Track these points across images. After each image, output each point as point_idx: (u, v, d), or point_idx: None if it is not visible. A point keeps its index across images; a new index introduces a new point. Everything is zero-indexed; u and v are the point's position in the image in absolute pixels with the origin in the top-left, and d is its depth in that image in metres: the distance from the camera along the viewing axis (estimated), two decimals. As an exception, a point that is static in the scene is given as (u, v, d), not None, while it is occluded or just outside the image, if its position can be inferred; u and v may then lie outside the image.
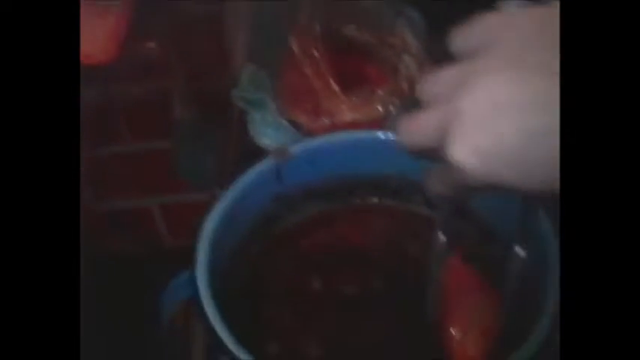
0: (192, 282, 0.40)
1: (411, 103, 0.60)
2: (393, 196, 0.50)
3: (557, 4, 0.28)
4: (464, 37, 0.32)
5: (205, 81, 0.80)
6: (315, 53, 0.55)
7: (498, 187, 0.29)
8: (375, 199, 0.51)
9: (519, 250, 0.37)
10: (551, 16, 0.28)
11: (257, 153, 0.67)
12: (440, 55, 0.33)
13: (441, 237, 0.38)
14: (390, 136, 0.48)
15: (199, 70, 0.79)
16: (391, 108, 0.54)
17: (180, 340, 0.50)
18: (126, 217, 0.96)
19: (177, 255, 1.11)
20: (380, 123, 0.53)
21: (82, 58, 0.54)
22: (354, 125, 0.56)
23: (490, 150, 0.28)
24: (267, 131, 0.62)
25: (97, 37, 0.56)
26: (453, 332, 0.41)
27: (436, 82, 0.31)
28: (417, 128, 0.32)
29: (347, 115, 0.54)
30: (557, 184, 0.27)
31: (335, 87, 0.54)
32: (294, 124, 0.61)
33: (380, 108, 0.53)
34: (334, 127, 0.57)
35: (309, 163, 0.48)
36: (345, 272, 0.46)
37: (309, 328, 0.43)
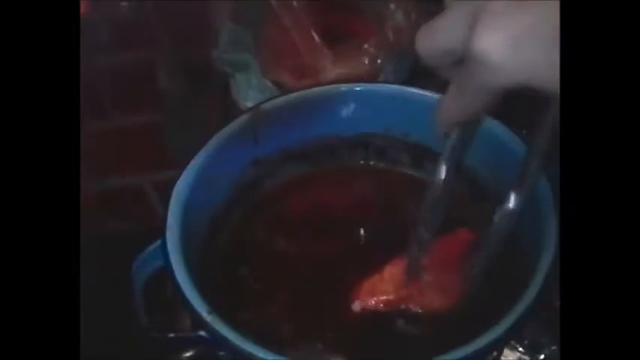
0: (164, 249, 0.37)
1: (400, 56, 0.56)
2: (377, 157, 0.47)
3: None
4: None
5: (189, 47, 0.76)
6: (295, 3, 0.51)
7: (524, 89, 0.27)
8: (359, 160, 0.47)
9: (512, 201, 0.33)
10: None
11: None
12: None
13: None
14: (372, 89, 0.44)
15: (182, 36, 0.75)
16: (379, 61, 0.50)
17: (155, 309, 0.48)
18: (118, 196, 0.94)
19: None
20: (366, 77, 0.50)
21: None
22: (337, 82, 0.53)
23: (524, 36, 0.26)
24: (251, 94, 0.59)
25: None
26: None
27: None
28: (439, 30, 0.29)
29: (331, 70, 0.50)
30: None
31: (317, 40, 0.50)
32: (277, 84, 0.58)
33: (366, 61, 0.49)
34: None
35: (285, 122, 0.45)
36: (327, 238, 0.43)
37: (284, 296, 0.40)
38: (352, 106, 0.45)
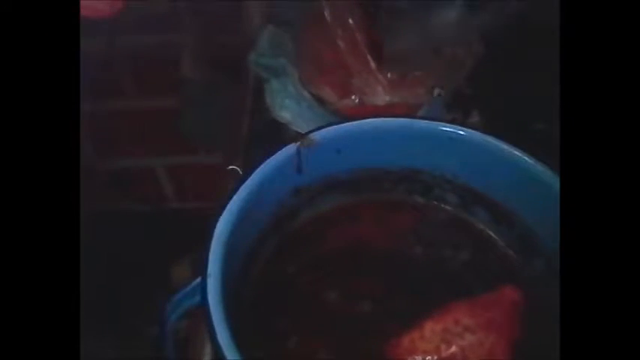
0: (204, 291, 0.35)
1: (456, 89, 0.53)
2: (423, 194, 0.45)
3: None
4: None
5: (218, 38, 0.73)
6: (350, 21, 0.47)
7: None
8: (403, 195, 0.45)
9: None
10: None
11: (273, 124, 0.61)
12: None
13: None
14: (431, 128, 0.42)
15: (212, 26, 0.72)
16: (435, 92, 0.47)
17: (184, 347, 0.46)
18: (129, 177, 0.92)
19: (181, 216, 1.08)
20: (417, 108, 0.47)
21: (85, 10, 0.49)
22: (385, 109, 0.50)
23: None
24: (287, 103, 0.56)
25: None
26: None
27: None
28: None
29: (381, 96, 0.47)
30: None
31: (372, 63, 0.47)
32: (317, 98, 0.55)
33: (422, 93, 0.47)
34: (363, 109, 0.51)
35: (334, 152, 0.42)
36: (363, 282, 0.41)
37: (317, 344, 0.38)
38: (405, 142, 0.43)
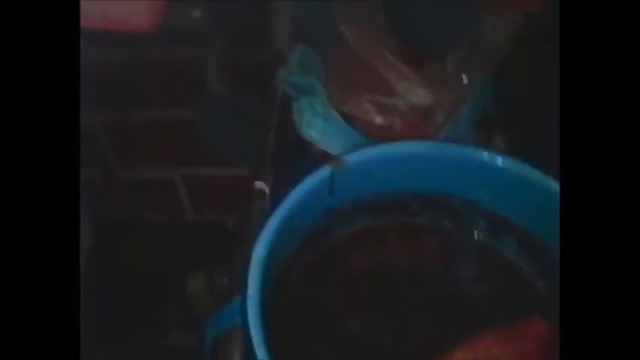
0: (243, 312, 0.35)
1: (483, 109, 0.53)
2: (452, 219, 0.45)
3: None
4: None
5: (245, 53, 0.73)
6: (375, 38, 0.47)
7: None
8: (432, 219, 0.45)
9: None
10: None
11: (298, 141, 0.62)
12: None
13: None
14: (462, 154, 0.42)
15: (239, 41, 0.73)
16: (475, 78, 0.46)
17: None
18: (149, 186, 0.92)
19: (198, 227, 1.08)
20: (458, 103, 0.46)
21: (116, 24, 0.49)
22: (414, 127, 0.50)
23: None
24: (315, 122, 0.56)
25: (134, 2, 0.50)
26: None
27: None
28: None
29: (424, 96, 0.46)
30: None
31: (403, 68, 0.46)
32: (346, 116, 0.55)
33: (460, 86, 0.45)
34: (391, 128, 0.51)
35: (365, 175, 0.42)
36: (389, 309, 0.41)
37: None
38: (435, 166, 0.43)
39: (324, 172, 0.41)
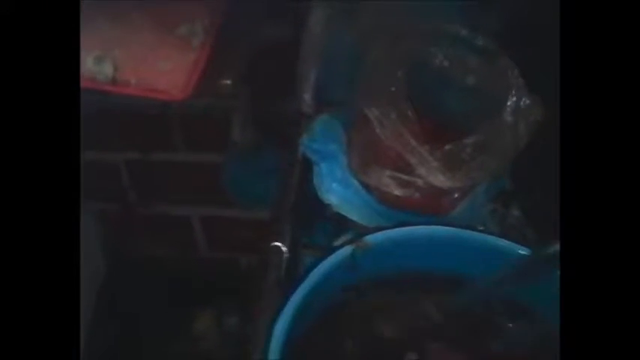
0: None
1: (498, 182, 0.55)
2: (469, 298, 0.46)
3: None
4: None
5: (270, 107, 0.76)
6: (394, 117, 0.49)
7: None
8: (450, 299, 0.47)
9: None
10: None
11: (319, 201, 0.64)
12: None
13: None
14: (473, 235, 0.44)
15: (265, 95, 0.75)
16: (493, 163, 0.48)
17: None
18: (166, 224, 0.94)
19: (211, 265, 1.09)
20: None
21: (156, 92, 0.52)
22: (431, 200, 0.52)
23: None
24: (334, 187, 0.59)
25: (174, 74, 0.53)
26: None
27: None
28: None
29: (444, 181, 0.48)
30: None
31: (425, 153, 0.48)
32: (364, 184, 0.57)
33: (478, 174, 0.48)
34: (408, 199, 0.53)
35: (386, 255, 0.44)
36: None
37: None
38: (455, 250, 0.45)
39: (345, 251, 0.43)
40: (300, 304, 0.40)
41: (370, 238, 0.44)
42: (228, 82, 0.60)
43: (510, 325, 0.46)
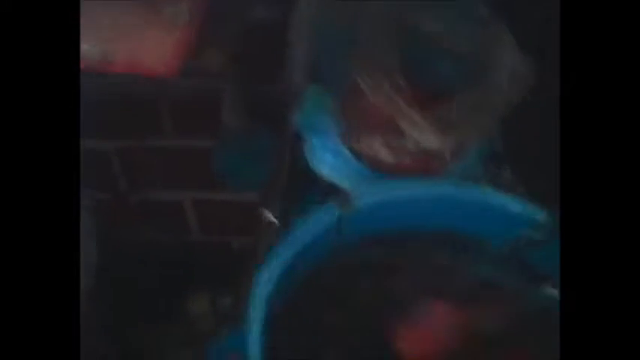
0: (245, 342, 0.38)
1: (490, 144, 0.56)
2: (460, 253, 0.48)
3: None
4: None
5: (260, 88, 0.77)
6: (388, 86, 0.51)
7: None
8: (439, 255, 0.48)
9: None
10: None
11: (309, 175, 0.65)
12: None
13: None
14: (463, 191, 0.45)
15: (254, 77, 0.76)
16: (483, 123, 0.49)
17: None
18: (158, 209, 0.95)
19: (205, 249, 1.10)
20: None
21: (141, 69, 0.53)
22: (422, 164, 0.53)
23: None
24: (326, 157, 0.60)
25: (161, 51, 0.54)
26: None
27: None
28: None
29: (434, 141, 0.49)
30: None
31: (416, 116, 0.50)
32: (355, 153, 0.59)
33: (469, 129, 0.48)
34: (398, 164, 0.54)
35: (373, 215, 0.46)
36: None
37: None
38: (444, 205, 0.46)
39: (331, 213, 0.44)
40: (284, 265, 0.41)
41: (356, 201, 0.45)
42: (217, 61, 0.61)
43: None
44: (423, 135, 0.50)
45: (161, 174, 0.90)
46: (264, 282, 0.40)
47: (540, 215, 0.45)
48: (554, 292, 0.43)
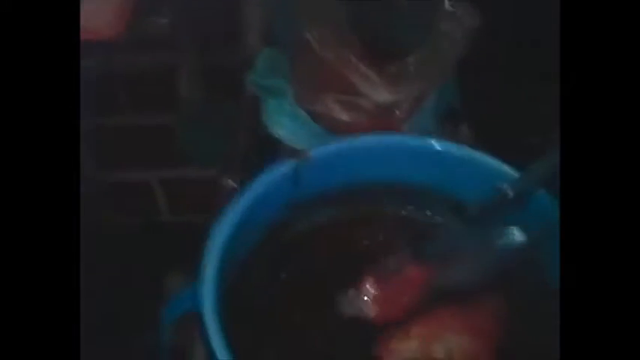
0: (198, 297, 0.37)
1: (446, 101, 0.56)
2: (416, 207, 0.47)
3: None
4: None
5: (215, 58, 0.75)
6: (338, 42, 0.50)
7: None
8: (396, 209, 0.48)
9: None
10: None
11: (269, 140, 0.64)
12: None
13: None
14: (423, 146, 0.45)
15: (209, 46, 0.75)
16: (436, 77, 0.49)
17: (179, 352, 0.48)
18: (125, 190, 0.93)
19: (174, 229, 1.09)
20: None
21: (86, 33, 0.51)
22: (378, 122, 0.53)
23: None
24: (283, 120, 0.59)
25: (102, 12, 0.52)
26: None
27: None
28: None
29: (387, 95, 0.49)
30: None
31: (367, 70, 0.49)
32: (313, 115, 0.58)
33: (422, 84, 0.48)
34: (356, 124, 0.54)
35: (329, 168, 0.45)
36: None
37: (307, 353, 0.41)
38: (396, 158, 0.46)
39: (287, 165, 0.43)
40: (239, 219, 0.40)
41: (311, 151, 0.44)
42: (164, 21, 0.59)
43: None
44: (376, 90, 0.49)
45: (124, 153, 0.89)
46: (219, 231, 0.39)
47: (505, 170, 0.44)
48: (522, 237, 0.42)
